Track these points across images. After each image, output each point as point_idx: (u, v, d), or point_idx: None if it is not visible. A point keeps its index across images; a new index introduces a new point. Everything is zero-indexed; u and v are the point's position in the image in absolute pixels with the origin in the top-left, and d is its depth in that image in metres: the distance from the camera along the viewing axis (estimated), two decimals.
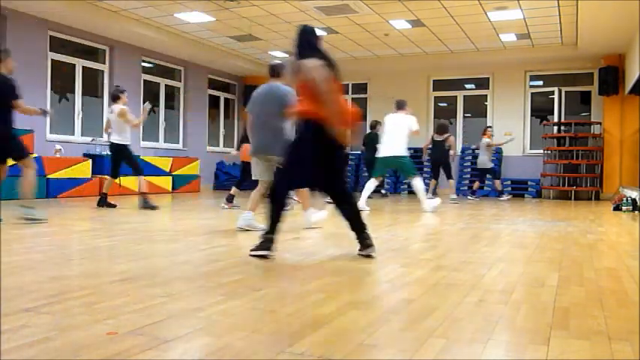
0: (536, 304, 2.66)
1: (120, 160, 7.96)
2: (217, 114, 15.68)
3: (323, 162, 3.80)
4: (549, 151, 12.94)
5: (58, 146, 10.33)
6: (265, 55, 14.22)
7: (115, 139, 7.88)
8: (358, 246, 3.93)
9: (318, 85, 3.64)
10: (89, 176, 10.38)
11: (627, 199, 8.99)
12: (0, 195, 5.78)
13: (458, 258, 4.06)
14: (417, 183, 8.40)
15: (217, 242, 4.60)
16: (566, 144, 12.81)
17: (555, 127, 13.10)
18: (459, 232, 5.64)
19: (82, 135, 11.23)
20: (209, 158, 14.69)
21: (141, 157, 11.65)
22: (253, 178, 5.60)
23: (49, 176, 9.65)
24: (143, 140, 12.60)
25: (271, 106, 5.21)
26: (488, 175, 12.09)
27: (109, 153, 8.17)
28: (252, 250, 3.77)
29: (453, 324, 2.27)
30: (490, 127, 12.29)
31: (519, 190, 13.16)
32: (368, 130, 12.22)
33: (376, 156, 8.85)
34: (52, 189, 9.65)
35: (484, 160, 11.71)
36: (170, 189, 12.40)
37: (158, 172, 12.11)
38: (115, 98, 7.98)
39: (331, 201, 4.02)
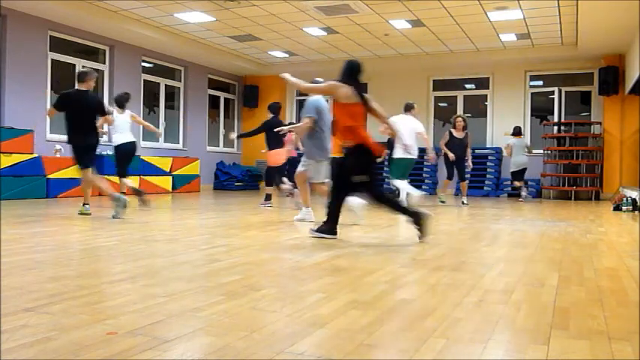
0: (536, 304, 2.66)
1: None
2: (217, 114, 15.68)
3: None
4: (549, 151, 12.94)
5: (58, 146, 10.32)
6: (265, 55, 14.22)
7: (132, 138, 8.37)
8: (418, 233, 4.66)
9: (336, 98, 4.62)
10: None
11: (627, 199, 8.99)
12: None
13: (458, 258, 4.06)
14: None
15: (217, 242, 4.60)
16: (566, 144, 12.80)
17: (555, 127, 13.08)
18: (459, 232, 5.64)
19: None
20: (209, 158, 14.69)
21: (141, 157, 11.65)
22: (319, 181, 6.34)
23: (49, 176, 9.65)
24: (143, 140, 12.59)
25: (328, 117, 6.07)
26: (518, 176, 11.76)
27: (124, 153, 8.37)
28: (316, 232, 4.88)
29: (453, 324, 2.27)
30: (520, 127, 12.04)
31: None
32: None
33: (393, 157, 8.85)
34: (52, 189, 9.65)
35: (525, 160, 11.57)
36: (170, 189, 12.41)
37: (158, 171, 12.12)
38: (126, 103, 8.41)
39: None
